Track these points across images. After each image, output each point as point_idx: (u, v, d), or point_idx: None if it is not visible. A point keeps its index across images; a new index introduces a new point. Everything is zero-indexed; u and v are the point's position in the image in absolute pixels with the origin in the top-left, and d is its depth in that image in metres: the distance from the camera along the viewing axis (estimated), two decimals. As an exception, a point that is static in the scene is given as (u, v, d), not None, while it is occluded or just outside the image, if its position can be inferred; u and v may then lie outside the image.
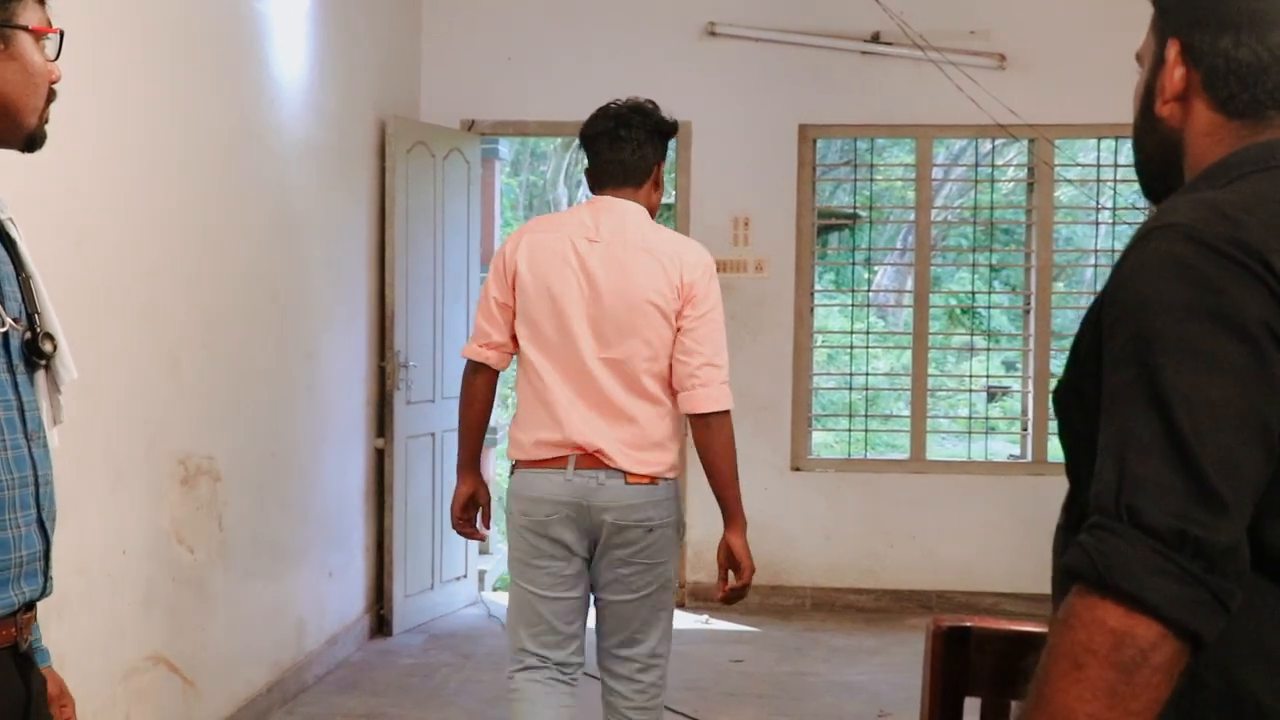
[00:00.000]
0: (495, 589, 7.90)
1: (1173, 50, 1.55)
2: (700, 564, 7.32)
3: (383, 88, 6.71)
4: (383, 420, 6.62)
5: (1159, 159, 1.60)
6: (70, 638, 3.84)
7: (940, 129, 7.41)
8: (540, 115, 7.38)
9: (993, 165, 8.39)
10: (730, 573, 3.74)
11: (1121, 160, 7.40)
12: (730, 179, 7.28)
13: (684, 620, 7.11)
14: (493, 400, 3.84)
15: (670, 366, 3.61)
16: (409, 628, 6.74)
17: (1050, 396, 1.55)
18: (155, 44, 4.38)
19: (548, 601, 3.70)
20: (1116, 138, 7.29)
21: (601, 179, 3.76)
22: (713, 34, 7.21)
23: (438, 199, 6.93)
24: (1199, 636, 1.29)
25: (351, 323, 6.32)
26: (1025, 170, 8.27)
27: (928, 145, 7.43)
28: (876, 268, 14.31)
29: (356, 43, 6.36)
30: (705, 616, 7.10)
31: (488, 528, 4.08)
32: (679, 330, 3.60)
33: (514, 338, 3.73)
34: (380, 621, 6.66)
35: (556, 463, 3.62)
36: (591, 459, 3.59)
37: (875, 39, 7.05)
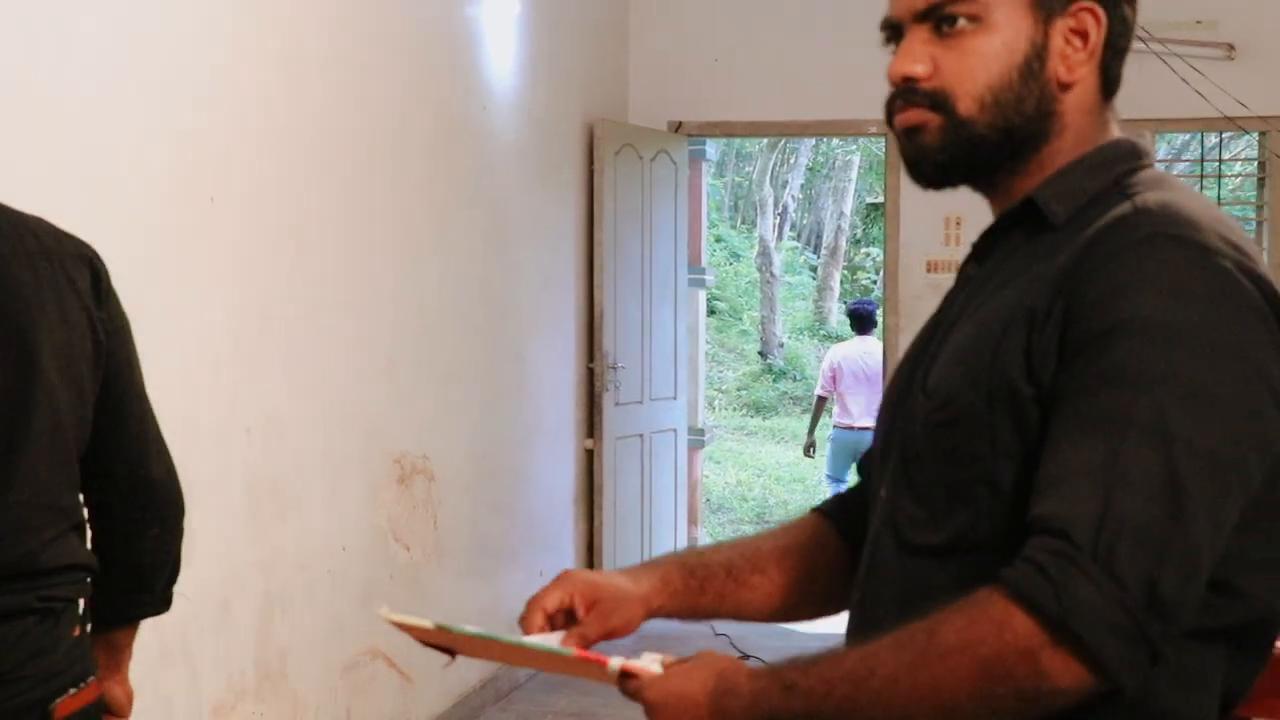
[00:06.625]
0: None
1: (1100, 16, 1.39)
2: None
3: (591, 90, 6.76)
4: (592, 421, 6.67)
5: (1023, 132, 1.41)
6: (293, 632, 3.95)
7: (1164, 123, 7.15)
8: (747, 115, 7.35)
9: (1219, 160, 8.07)
10: None
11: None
12: (941, 177, 7.13)
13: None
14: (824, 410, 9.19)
15: None
16: (618, 628, 6.76)
17: (945, 391, 1.38)
18: (368, 49, 4.48)
19: None
20: (1354, 127, 6.93)
21: (859, 328, 9.01)
22: (923, 29, 7.07)
23: (645, 201, 6.95)
24: (1123, 692, 1.21)
25: (560, 324, 6.38)
26: (1255, 164, 7.94)
27: (1150, 140, 7.18)
28: (1093, 266, 13.91)
29: (565, 46, 6.42)
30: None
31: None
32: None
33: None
34: (589, 621, 6.70)
35: (852, 428, 8.62)
36: (865, 428, 8.21)
37: (1093, 30, 6.83)
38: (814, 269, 20.11)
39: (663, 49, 7.35)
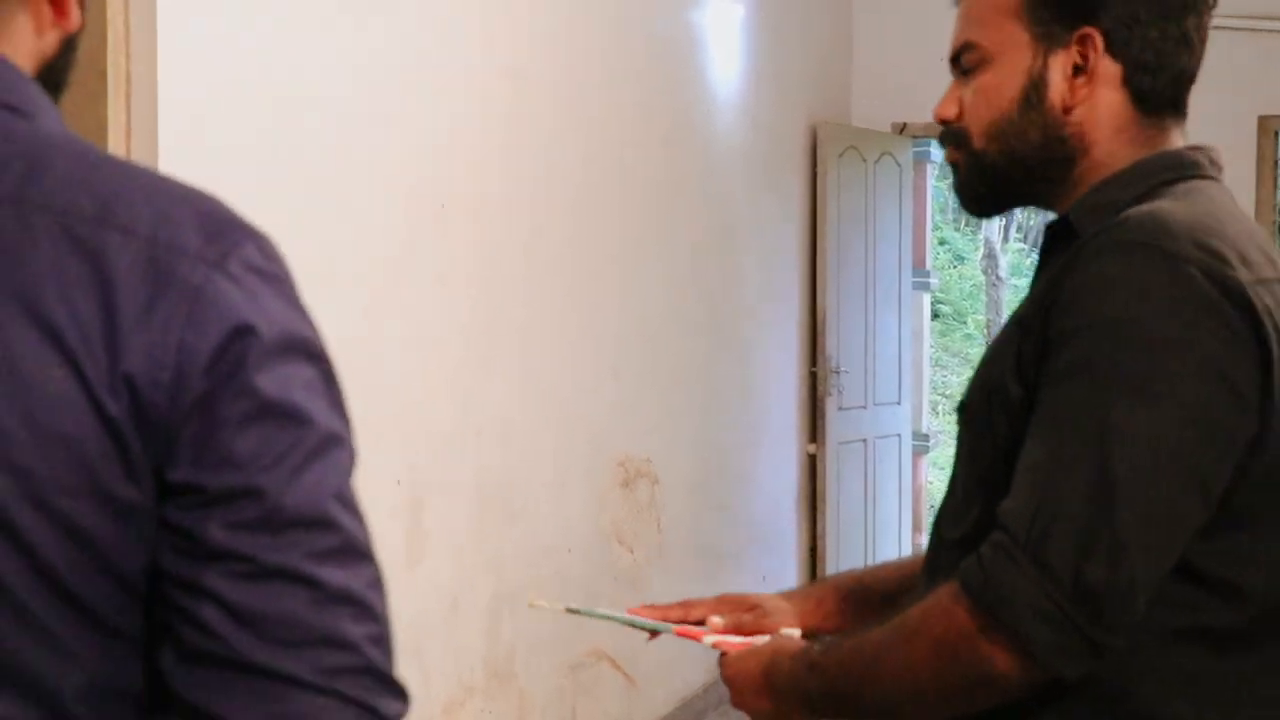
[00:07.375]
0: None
1: (1097, 40, 1.44)
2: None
3: (814, 92, 6.72)
4: (814, 426, 6.62)
5: (1035, 158, 1.48)
6: (522, 631, 4.02)
7: None
8: (974, 115, 7.20)
9: None
10: None
11: None
12: (1179, 175, 6.89)
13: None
14: None
15: None
16: (840, 635, 6.71)
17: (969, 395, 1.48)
18: (597, 58, 4.53)
19: None
20: None
21: None
22: (1160, 22, 6.84)
23: (869, 203, 6.87)
24: (1062, 678, 1.28)
25: (783, 327, 6.36)
26: None
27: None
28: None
29: (789, 49, 6.39)
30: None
31: None
32: None
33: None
34: (812, 627, 6.66)
35: None
36: None
37: (1345, 18, 6.51)
38: (1041, 271, 19.65)
39: (887, 49, 7.26)
